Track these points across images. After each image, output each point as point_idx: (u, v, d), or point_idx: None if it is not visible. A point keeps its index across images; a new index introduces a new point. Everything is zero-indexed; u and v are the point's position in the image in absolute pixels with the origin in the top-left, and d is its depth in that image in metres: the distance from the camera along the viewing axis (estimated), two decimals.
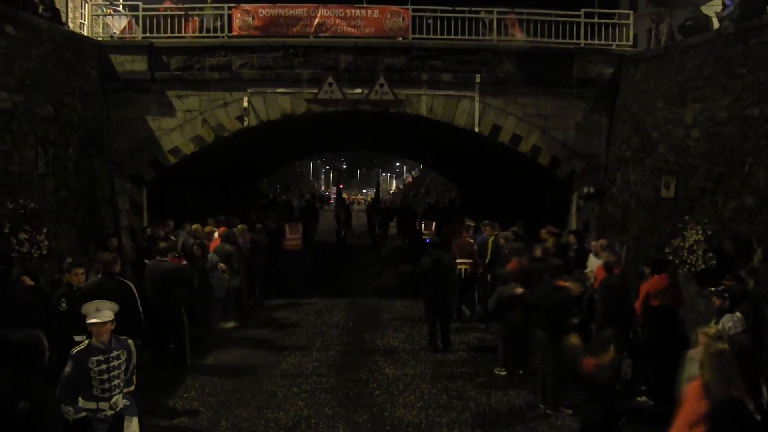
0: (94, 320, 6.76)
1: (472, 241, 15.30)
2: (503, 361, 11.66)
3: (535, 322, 10.50)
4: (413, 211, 31.59)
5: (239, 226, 15.94)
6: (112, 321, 6.83)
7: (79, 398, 6.64)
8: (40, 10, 14.49)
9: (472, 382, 11.09)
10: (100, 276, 9.78)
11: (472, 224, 17.52)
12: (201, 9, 17.16)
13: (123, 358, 6.89)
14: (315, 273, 20.27)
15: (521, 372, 11.38)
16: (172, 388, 10.49)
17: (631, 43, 16.68)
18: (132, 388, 7.17)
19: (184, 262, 12.57)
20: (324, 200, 57.65)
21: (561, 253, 13.76)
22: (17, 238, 10.76)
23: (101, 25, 17.25)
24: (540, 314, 10.15)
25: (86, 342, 6.81)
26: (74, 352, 6.67)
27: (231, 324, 14.33)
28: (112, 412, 6.79)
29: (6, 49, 12.02)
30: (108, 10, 17.63)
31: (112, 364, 6.77)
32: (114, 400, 6.80)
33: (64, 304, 8.75)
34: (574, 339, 7.74)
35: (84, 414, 6.62)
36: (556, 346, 9.78)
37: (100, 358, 6.70)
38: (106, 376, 6.72)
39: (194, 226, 14.92)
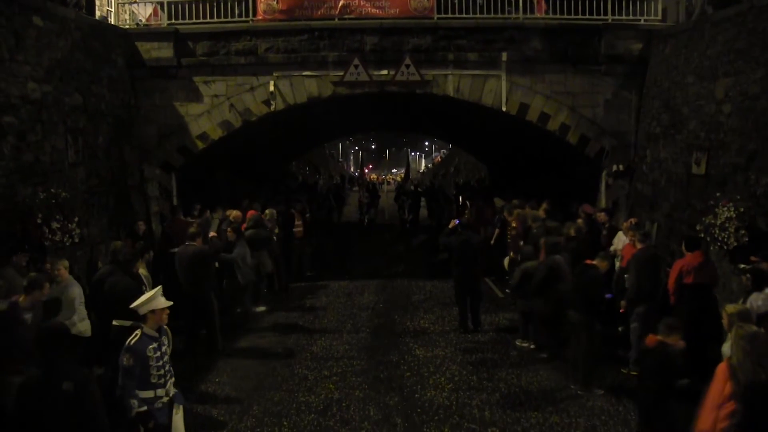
0: (164, 304, 6.91)
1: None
2: (524, 334, 11.98)
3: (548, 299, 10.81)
4: (445, 193, 30.79)
5: (267, 210, 15.96)
6: None
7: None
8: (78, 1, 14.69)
9: (503, 363, 11.12)
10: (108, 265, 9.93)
11: (501, 203, 17.50)
12: None
13: (167, 344, 7.02)
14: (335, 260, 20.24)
15: (544, 349, 11.54)
16: (205, 373, 10.64)
17: (660, 17, 16.33)
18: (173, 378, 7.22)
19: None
20: (354, 181, 57.52)
21: (593, 231, 13.79)
22: (50, 227, 10.92)
23: (128, 13, 17.30)
24: (571, 294, 10.12)
25: (139, 331, 6.86)
26: (131, 343, 6.71)
27: (262, 308, 14.44)
28: (168, 398, 6.92)
29: (35, 40, 12.15)
30: None
31: (163, 350, 6.89)
32: (168, 386, 6.92)
33: None
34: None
35: (145, 408, 6.71)
36: (589, 326, 9.78)
37: (155, 345, 6.81)
38: (161, 363, 6.84)
39: (233, 213, 14.93)
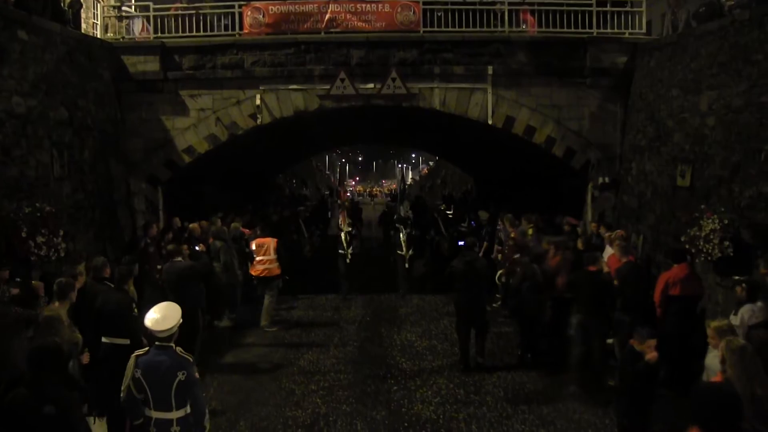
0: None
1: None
2: (519, 346, 12.08)
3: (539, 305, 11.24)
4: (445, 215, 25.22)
5: (233, 224, 15.77)
6: None
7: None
8: (69, 14, 14.64)
9: (489, 376, 11.11)
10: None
11: (486, 216, 17.50)
12: (211, 8, 17.11)
13: None
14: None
15: (529, 355, 11.75)
16: None
17: (644, 30, 16.48)
18: None
19: None
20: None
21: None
22: (35, 241, 10.85)
23: (120, 26, 17.16)
24: (576, 302, 10.22)
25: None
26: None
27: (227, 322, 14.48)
28: None
29: (20, 55, 12.09)
30: (121, 12, 17.56)
31: None
32: None
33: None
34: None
35: None
36: (601, 332, 9.89)
37: None
38: None
39: (193, 226, 14.76)
